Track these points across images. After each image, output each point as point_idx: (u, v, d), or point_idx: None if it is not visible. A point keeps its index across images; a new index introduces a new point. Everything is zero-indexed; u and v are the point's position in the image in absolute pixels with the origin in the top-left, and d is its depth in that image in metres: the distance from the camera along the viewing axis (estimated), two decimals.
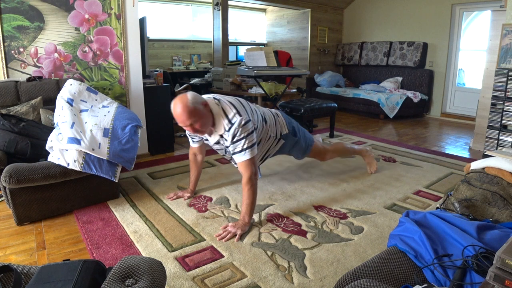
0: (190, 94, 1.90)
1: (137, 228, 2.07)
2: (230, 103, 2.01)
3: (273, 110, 2.47)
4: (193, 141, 2.36)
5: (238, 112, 1.97)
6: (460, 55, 5.77)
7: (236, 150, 2.00)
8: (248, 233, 2.02)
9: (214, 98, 2.04)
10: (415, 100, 5.80)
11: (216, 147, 2.21)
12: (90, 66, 3.14)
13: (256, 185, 2.08)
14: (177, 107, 1.87)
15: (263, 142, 2.30)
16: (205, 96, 2.06)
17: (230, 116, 1.97)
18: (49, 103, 2.66)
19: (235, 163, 2.16)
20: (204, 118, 1.92)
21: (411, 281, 1.10)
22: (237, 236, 1.96)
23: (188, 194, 2.51)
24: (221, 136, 2.04)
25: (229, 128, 1.96)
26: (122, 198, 2.49)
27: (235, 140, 1.97)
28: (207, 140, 2.20)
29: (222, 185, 2.73)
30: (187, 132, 2.26)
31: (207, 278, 1.61)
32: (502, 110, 3.47)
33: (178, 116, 1.89)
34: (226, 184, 2.75)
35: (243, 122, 1.95)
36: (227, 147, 2.07)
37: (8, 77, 2.81)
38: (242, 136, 1.96)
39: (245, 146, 1.98)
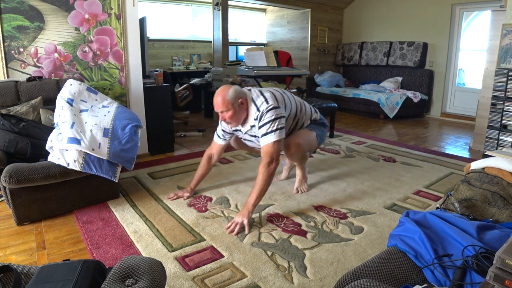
0: (233, 88, 2.12)
1: (137, 228, 2.07)
2: (261, 93, 2.18)
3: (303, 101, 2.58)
4: (221, 139, 2.43)
5: (266, 100, 2.13)
6: (460, 55, 5.77)
7: (261, 133, 2.11)
8: (248, 233, 2.02)
9: (249, 90, 2.21)
10: (415, 100, 5.80)
11: (246, 137, 2.32)
12: (90, 66, 3.14)
13: (273, 175, 2.12)
14: (218, 94, 2.11)
15: (296, 124, 2.45)
16: (244, 89, 2.23)
17: (258, 104, 2.14)
18: (49, 103, 2.66)
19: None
20: (235, 113, 2.12)
21: (411, 281, 1.10)
22: (246, 228, 2.01)
23: (188, 194, 2.51)
24: (253, 126, 2.20)
25: (257, 116, 2.13)
26: (122, 198, 2.49)
27: (261, 124, 2.10)
28: (239, 130, 2.32)
29: (222, 185, 2.73)
30: (218, 128, 2.42)
31: (207, 278, 1.61)
32: (502, 110, 3.47)
33: (214, 102, 2.13)
34: (226, 184, 2.76)
35: (269, 107, 2.10)
36: (257, 136, 2.19)
37: (8, 77, 2.81)
38: (267, 120, 2.08)
39: (269, 130, 2.08)
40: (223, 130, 2.40)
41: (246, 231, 2.01)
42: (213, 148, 2.49)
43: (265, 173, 2.07)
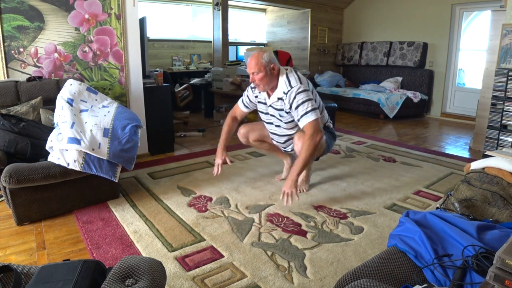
0: (269, 53, 2.26)
1: (137, 228, 2.07)
2: (297, 73, 2.28)
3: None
4: (244, 105, 2.57)
5: (300, 80, 2.24)
6: (460, 55, 5.76)
7: (300, 114, 2.18)
8: (248, 233, 2.02)
9: (286, 69, 2.32)
10: (415, 100, 5.80)
11: (270, 111, 2.39)
12: (90, 66, 3.14)
13: (317, 146, 2.17)
14: (253, 56, 2.23)
15: None
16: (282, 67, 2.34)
17: (291, 81, 2.23)
18: (49, 103, 2.65)
19: (283, 142, 2.49)
20: (265, 76, 2.22)
21: (411, 281, 1.10)
22: (296, 196, 2.13)
23: (222, 159, 2.52)
24: (280, 98, 2.28)
25: (288, 91, 2.22)
26: (122, 198, 2.49)
27: (296, 105, 2.17)
28: (263, 103, 2.43)
29: (222, 185, 2.73)
30: (244, 95, 2.56)
31: (207, 278, 1.61)
32: (502, 110, 3.47)
33: (248, 62, 2.26)
34: (226, 184, 2.76)
35: (301, 89, 2.19)
36: (287, 112, 2.28)
37: (8, 77, 2.81)
38: (301, 101, 2.17)
39: (309, 109, 2.16)
40: (247, 97, 2.54)
41: (297, 199, 2.17)
42: (236, 111, 2.63)
43: (311, 143, 2.13)
